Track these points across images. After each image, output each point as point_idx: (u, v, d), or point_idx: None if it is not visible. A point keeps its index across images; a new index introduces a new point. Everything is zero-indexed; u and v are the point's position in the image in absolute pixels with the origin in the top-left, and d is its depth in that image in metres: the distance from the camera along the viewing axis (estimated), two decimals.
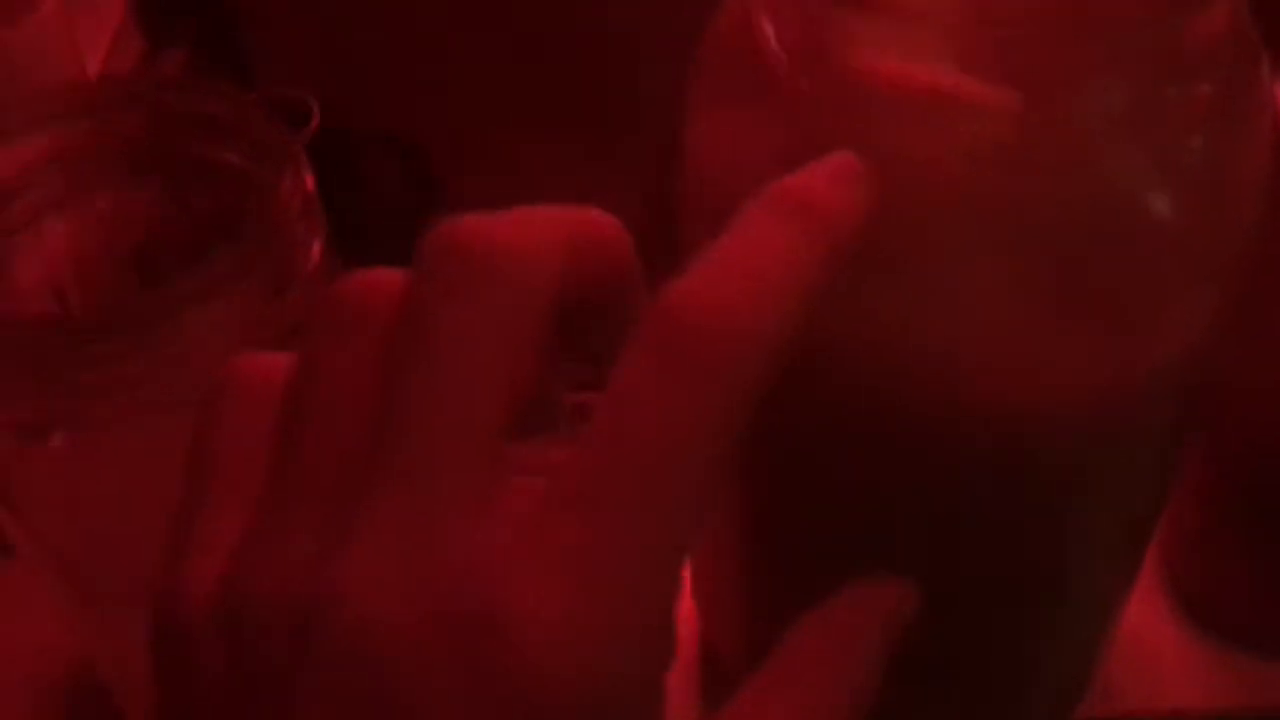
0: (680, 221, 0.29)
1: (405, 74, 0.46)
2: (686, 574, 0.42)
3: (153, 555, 0.20)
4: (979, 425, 0.27)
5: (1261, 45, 0.27)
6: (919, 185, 0.25)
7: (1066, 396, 0.27)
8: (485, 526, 0.17)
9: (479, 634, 0.17)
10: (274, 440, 0.19)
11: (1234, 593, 0.40)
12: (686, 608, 0.43)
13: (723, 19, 0.27)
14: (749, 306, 0.19)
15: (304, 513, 0.18)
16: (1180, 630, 0.41)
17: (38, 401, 0.29)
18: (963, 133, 0.24)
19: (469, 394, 0.18)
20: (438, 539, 0.17)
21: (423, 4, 0.51)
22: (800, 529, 0.31)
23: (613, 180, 0.32)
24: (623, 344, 0.19)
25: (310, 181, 0.30)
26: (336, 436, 0.18)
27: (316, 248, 0.30)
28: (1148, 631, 0.40)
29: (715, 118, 0.28)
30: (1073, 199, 0.25)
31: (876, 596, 0.24)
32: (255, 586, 0.18)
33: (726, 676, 0.39)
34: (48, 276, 0.31)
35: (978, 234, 0.25)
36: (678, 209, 0.29)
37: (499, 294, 0.18)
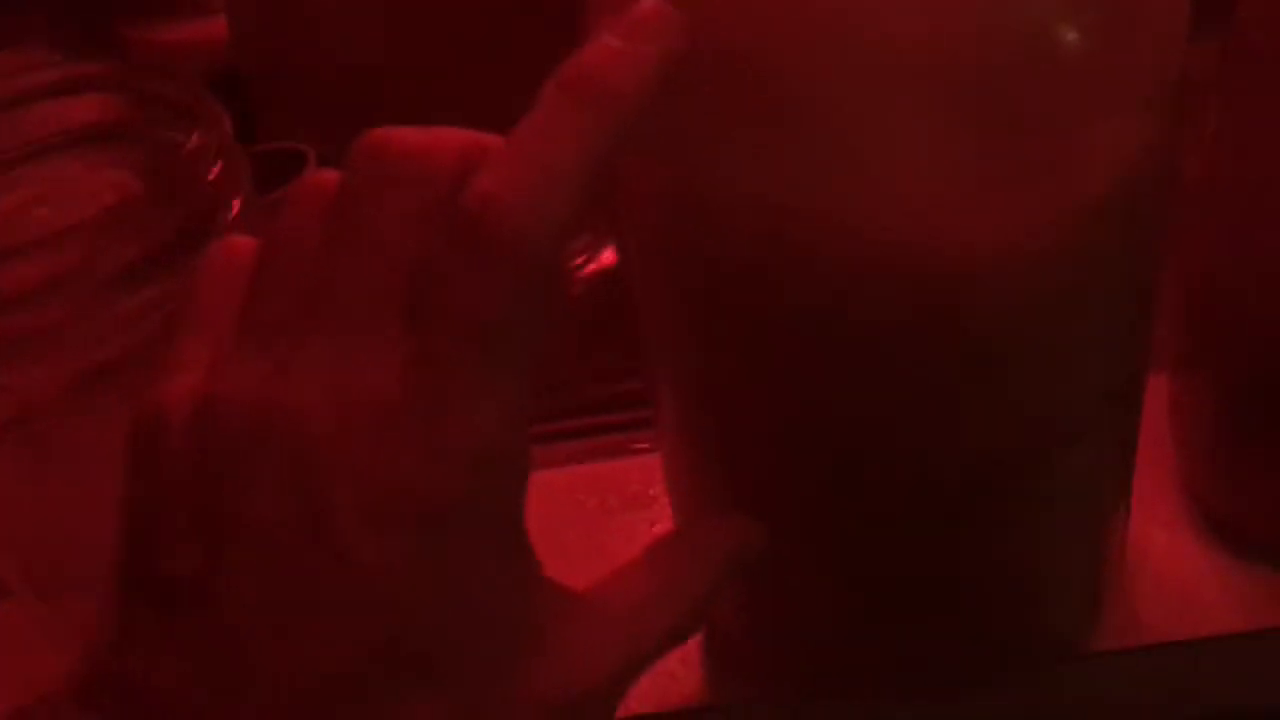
0: None
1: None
2: None
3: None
4: (904, 284, 0.26)
5: None
6: (814, 29, 0.25)
7: (992, 243, 0.26)
8: (382, 370, 0.23)
9: (375, 438, 0.22)
10: (242, 294, 0.25)
11: (1262, 510, 0.38)
12: None
13: None
14: (533, 198, 0.22)
15: (259, 347, 0.23)
16: (1210, 555, 0.38)
17: None
18: None
19: (375, 265, 0.23)
20: (348, 374, 0.23)
21: (413, 66, 0.54)
22: (743, 414, 0.30)
23: None
24: None
25: (228, 137, 0.31)
26: (287, 291, 0.24)
27: (236, 204, 0.31)
28: (1176, 559, 0.38)
29: None
30: (981, 30, 0.24)
31: (722, 530, 0.28)
32: (221, 396, 0.23)
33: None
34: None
35: (883, 76, 0.25)
36: None
37: (399, 183, 0.23)
